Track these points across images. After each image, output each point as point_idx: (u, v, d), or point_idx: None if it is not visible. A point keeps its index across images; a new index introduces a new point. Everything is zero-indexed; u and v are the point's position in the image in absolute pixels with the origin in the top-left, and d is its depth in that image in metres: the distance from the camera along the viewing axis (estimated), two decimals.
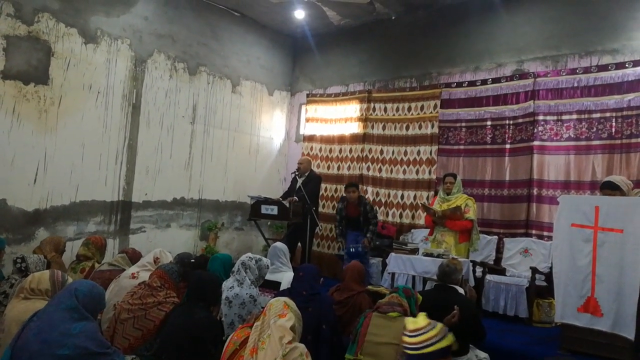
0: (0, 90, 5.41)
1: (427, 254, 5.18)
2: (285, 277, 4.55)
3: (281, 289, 4.38)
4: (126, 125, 6.57)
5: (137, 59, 6.67)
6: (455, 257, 4.99)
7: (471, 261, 5.56)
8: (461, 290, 3.91)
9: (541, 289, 5.42)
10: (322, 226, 7.93)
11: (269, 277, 4.36)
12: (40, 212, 5.76)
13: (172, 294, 3.47)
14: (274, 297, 4.30)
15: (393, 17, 7.75)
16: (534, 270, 5.42)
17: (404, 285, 3.39)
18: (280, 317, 2.53)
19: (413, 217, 7.21)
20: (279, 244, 4.91)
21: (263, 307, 3.86)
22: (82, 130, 6.10)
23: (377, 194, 7.63)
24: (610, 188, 4.13)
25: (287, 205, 6.90)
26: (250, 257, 3.94)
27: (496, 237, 6.27)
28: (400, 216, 7.37)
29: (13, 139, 5.51)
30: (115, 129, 6.44)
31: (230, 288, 3.76)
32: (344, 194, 6.73)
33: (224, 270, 4.19)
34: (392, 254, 5.45)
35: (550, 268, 5.16)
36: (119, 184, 6.52)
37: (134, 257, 4.56)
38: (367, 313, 3.11)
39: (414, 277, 5.47)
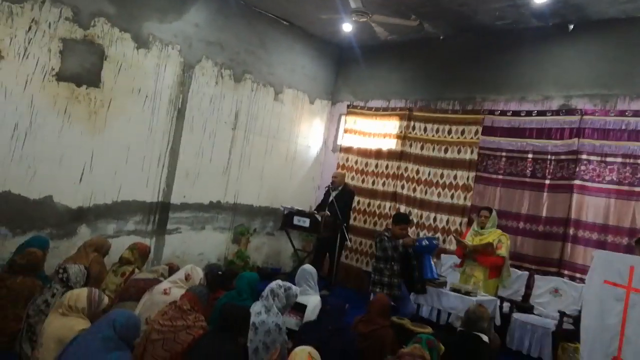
0: (55, 91, 5.63)
1: (454, 289, 5.18)
2: (311, 300, 4.65)
3: (306, 312, 4.52)
4: (170, 130, 6.74)
5: (185, 64, 6.83)
6: (484, 296, 4.99)
7: (499, 297, 5.54)
8: (485, 338, 3.91)
9: (568, 332, 5.34)
10: (352, 239, 7.95)
11: None
12: (84, 209, 5.99)
13: (200, 317, 3.59)
14: (298, 321, 4.47)
15: (441, 37, 7.66)
16: (562, 314, 5.35)
17: (428, 335, 3.41)
18: None
19: (444, 241, 7.15)
20: (307, 266, 5.00)
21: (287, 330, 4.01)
22: (128, 132, 6.30)
23: (410, 213, 7.59)
24: None
25: (319, 219, 6.98)
26: (279, 285, 4.03)
27: (527, 272, 6.18)
28: None
29: (63, 138, 5.74)
30: (159, 132, 6.62)
31: (258, 314, 3.87)
32: (389, 229, 5.67)
33: (250, 289, 4.32)
34: None
35: (579, 311, 5.09)
36: (160, 185, 6.71)
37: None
38: None
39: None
